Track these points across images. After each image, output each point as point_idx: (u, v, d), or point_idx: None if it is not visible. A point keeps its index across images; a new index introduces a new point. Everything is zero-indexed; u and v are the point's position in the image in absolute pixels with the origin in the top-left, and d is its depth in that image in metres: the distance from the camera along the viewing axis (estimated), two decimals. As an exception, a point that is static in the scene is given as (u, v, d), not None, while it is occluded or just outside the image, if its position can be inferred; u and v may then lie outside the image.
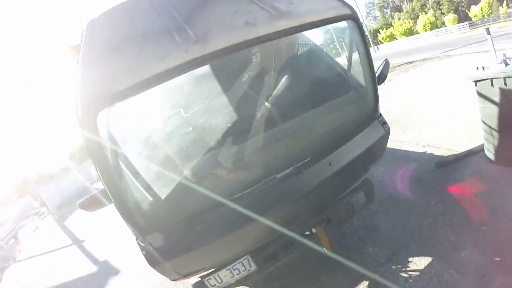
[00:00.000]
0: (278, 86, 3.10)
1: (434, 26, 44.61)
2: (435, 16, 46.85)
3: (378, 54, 36.60)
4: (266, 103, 3.04)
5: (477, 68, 3.78)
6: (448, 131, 5.63)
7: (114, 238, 7.96)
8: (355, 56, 2.92)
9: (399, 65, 16.87)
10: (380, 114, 2.95)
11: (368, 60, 2.74)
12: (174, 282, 4.14)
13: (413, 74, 12.43)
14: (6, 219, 18.42)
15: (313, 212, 2.92)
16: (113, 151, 2.33)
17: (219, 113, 3.04)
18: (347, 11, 2.49)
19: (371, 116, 2.89)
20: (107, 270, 6.38)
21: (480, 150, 4.33)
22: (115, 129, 2.55)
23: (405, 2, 58.25)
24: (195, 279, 2.82)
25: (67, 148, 30.44)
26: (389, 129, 2.95)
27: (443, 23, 45.20)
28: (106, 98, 1.92)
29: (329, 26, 2.65)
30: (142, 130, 2.98)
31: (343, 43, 21.59)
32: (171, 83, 2.12)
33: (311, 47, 3.52)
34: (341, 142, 2.70)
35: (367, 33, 49.99)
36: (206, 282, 2.75)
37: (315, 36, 3.55)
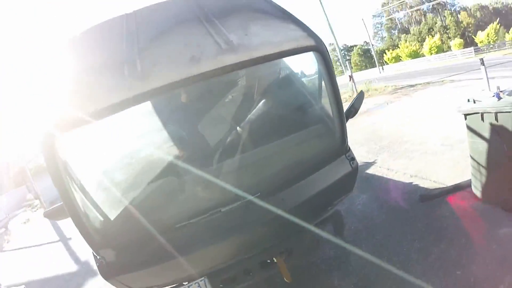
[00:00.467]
0: (253, 113, 3.08)
1: (440, 50, 44.88)
2: (441, 40, 47.16)
3: (382, 75, 36.72)
4: (238, 128, 3.04)
5: (468, 100, 3.67)
6: (438, 162, 5.54)
7: None
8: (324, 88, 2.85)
9: (402, 88, 16.88)
10: (349, 149, 2.87)
11: (334, 93, 2.65)
12: None
13: (413, 98, 12.39)
14: (0, 208, 18.46)
15: (273, 241, 2.90)
16: (70, 172, 2.39)
17: (179, 139, 3.01)
18: (310, 42, 2.40)
19: (338, 151, 2.81)
20: (87, 271, 6.43)
21: (467, 185, 4.19)
22: (73, 152, 2.61)
23: (413, 25, 58.69)
24: None
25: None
26: (357, 166, 2.87)
27: (449, 48, 45.42)
28: (62, 126, 2.08)
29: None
30: (99, 154, 3.00)
31: (347, 62, 21.76)
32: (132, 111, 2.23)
33: (289, 76, 3.46)
34: (302, 176, 2.64)
35: (373, 53, 50.37)
36: None
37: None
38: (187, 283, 2.76)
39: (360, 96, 3.21)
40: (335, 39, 25.25)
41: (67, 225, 11.71)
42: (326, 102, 2.82)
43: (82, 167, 2.67)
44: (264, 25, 2.52)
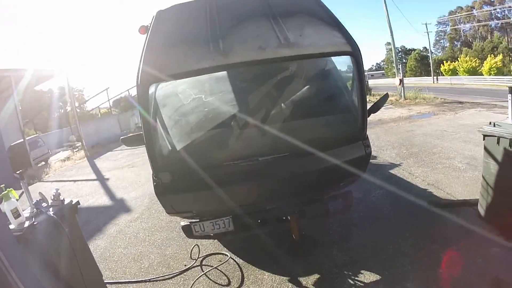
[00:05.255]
0: (296, 95, 3.66)
1: (499, 72, 42.17)
2: (503, 62, 44.15)
3: (435, 86, 35.71)
4: (283, 104, 3.63)
5: (490, 123, 3.91)
6: (458, 178, 5.81)
7: (134, 184, 8.94)
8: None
9: (450, 103, 16.76)
10: (367, 138, 3.43)
11: (361, 91, 3.31)
12: (166, 227, 5.41)
13: (458, 115, 12.39)
14: (43, 143, 19.94)
15: (291, 200, 3.62)
16: (153, 111, 3.26)
17: (239, 101, 3.68)
18: (347, 48, 3.06)
19: (357, 136, 3.38)
20: (120, 207, 7.24)
21: (475, 203, 4.40)
22: (158, 96, 3.49)
23: (477, 40, 55.65)
24: (185, 222, 3.68)
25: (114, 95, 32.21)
26: (370, 152, 3.43)
27: (509, 71, 42.31)
28: (156, 77, 2.94)
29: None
30: (175, 102, 3.78)
31: (400, 65, 21.36)
32: (204, 76, 3.29)
33: (331, 70, 3.97)
34: (325, 148, 3.23)
35: (431, 61, 48.87)
36: (192, 226, 3.57)
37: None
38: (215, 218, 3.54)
39: (384, 98, 3.73)
40: (393, 39, 24.61)
41: (105, 166, 12.68)
42: (355, 96, 3.45)
43: (163, 110, 3.58)
44: (315, 29, 3.22)
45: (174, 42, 3.25)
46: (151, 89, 3.09)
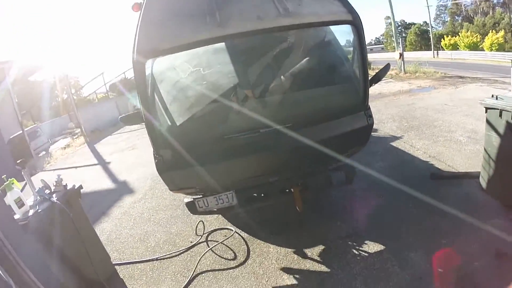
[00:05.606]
0: (296, 66, 3.61)
1: (501, 48, 41.43)
2: (505, 38, 43.28)
3: (435, 60, 35.38)
4: (282, 77, 3.60)
5: (492, 96, 3.87)
6: (459, 150, 5.83)
7: (135, 166, 8.94)
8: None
9: (450, 77, 16.53)
10: (369, 108, 3.43)
11: (363, 61, 3.26)
12: (170, 205, 5.44)
13: (458, 89, 12.21)
14: (42, 133, 19.85)
15: (294, 171, 3.65)
16: (151, 87, 3.25)
17: (238, 74, 3.62)
18: (348, 17, 3.02)
19: (359, 107, 3.38)
20: (123, 189, 7.26)
21: (477, 175, 4.45)
22: (155, 73, 3.45)
23: (478, 15, 54.69)
24: (188, 199, 3.68)
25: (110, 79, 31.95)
26: (373, 122, 3.43)
27: (511, 48, 42.06)
28: (152, 52, 2.89)
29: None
30: (173, 77, 3.72)
31: (400, 39, 20.95)
32: (202, 49, 3.21)
33: (331, 41, 3.92)
34: (327, 119, 3.29)
35: (431, 35, 48.40)
36: (196, 202, 3.57)
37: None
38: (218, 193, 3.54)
39: (385, 68, 3.69)
40: (392, 13, 24.14)
41: (106, 150, 12.67)
42: (356, 66, 3.42)
43: (161, 86, 3.54)
44: None
45: (169, 16, 3.15)
46: (148, 65, 3.03)
